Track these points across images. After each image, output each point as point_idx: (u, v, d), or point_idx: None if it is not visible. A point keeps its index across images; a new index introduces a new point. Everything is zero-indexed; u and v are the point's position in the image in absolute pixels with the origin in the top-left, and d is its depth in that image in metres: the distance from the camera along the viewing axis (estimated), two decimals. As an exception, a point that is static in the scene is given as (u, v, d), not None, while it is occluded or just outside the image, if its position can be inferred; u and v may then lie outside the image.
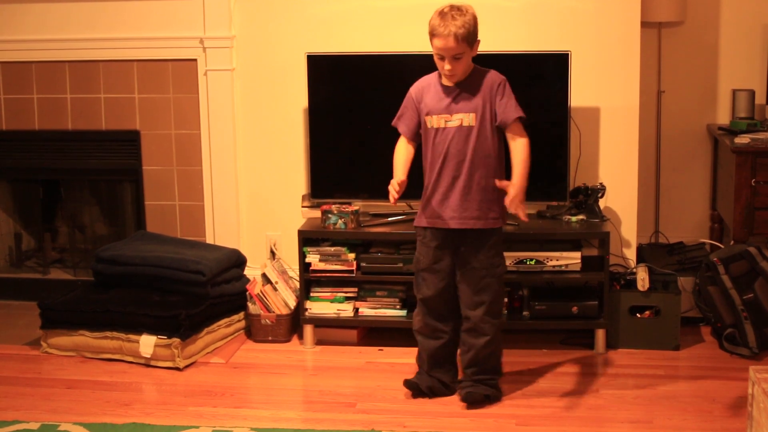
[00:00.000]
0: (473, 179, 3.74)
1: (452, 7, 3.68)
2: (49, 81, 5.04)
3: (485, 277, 3.78)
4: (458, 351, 3.91)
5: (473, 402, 3.81)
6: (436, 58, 3.72)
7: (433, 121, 3.77)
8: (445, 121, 3.75)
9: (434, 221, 3.80)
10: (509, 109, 3.74)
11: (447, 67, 3.68)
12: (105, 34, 4.93)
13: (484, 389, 3.83)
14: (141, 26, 4.90)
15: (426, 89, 3.81)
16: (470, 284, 3.79)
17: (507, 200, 3.65)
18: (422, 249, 3.85)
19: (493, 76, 3.77)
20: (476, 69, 3.78)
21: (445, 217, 3.77)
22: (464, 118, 3.73)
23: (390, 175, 3.83)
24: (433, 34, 3.67)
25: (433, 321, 3.87)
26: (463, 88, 3.75)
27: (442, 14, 3.66)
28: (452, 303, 3.86)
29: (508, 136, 3.76)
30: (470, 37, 3.67)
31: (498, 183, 3.73)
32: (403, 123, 3.87)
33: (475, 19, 3.71)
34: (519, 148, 3.73)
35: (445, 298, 3.84)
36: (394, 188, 3.73)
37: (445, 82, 3.78)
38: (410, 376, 3.97)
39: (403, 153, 3.86)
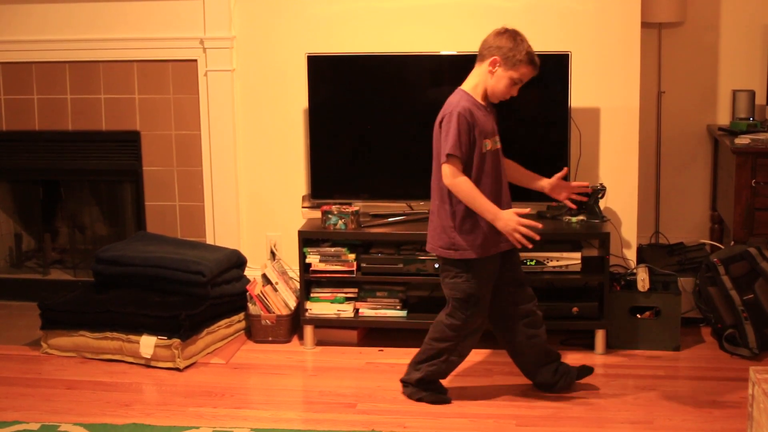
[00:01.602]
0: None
1: (521, 34, 3.70)
2: (49, 81, 5.04)
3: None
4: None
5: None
6: (506, 82, 3.66)
7: (490, 144, 3.70)
8: (495, 143, 3.73)
9: (500, 246, 3.73)
10: None
11: (514, 92, 3.72)
12: (105, 35, 4.93)
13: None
14: (141, 27, 4.90)
15: (473, 110, 3.65)
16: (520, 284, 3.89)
17: (576, 184, 3.92)
18: (482, 278, 3.75)
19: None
20: None
21: (505, 240, 3.71)
22: (498, 139, 3.77)
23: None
24: (524, 63, 3.64)
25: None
26: (490, 110, 3.77)
27: (528, 45, 3.67)
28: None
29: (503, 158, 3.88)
30: None
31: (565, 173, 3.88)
32: (462, 149, 3.61)
33: None
34: (514, 163, 3.96)
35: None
36: (525, 227, 3.60)
37: (484, 102, 3.72)
38: (410, 376, 3.98)
39: (477, 187, 3.65)
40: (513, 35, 3.67)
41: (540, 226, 3.69)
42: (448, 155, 3.60)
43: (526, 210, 3.64)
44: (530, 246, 3.64)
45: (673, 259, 4.80)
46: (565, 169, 3.92)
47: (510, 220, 3.60)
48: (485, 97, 3.72)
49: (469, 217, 3.68)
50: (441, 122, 3.67)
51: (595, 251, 4.61)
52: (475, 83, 3.72)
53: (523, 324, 3.86)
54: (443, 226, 3.72)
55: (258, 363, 4.40)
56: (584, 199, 4.06)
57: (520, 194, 4.59)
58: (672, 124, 5.10)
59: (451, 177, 3.61)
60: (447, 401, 3.88)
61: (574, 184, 3.95)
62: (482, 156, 3.66)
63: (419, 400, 3.90)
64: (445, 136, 3.62)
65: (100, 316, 4.40)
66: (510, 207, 3.73)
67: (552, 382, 3.94)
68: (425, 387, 3.90)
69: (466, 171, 3.65)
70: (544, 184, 3.92)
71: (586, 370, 4.00)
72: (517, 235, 3.60)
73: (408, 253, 4.44)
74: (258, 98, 4.87)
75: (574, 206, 4.02)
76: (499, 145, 3.76)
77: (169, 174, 5.03)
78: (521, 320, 3.86)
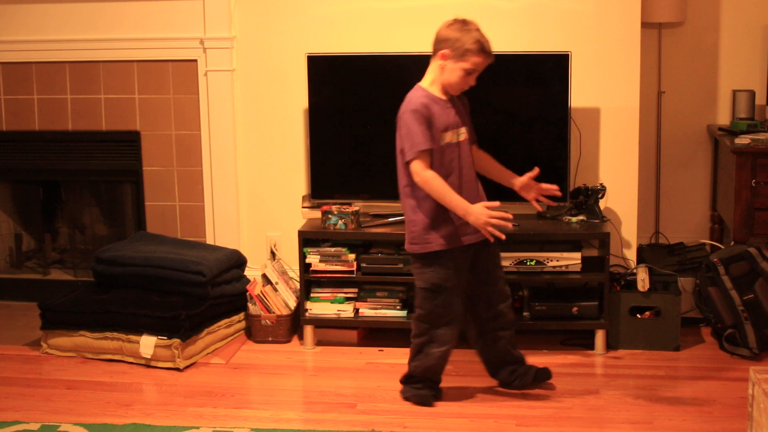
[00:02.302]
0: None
1: (477, 26, 3.66)
2: (49, 81, 5.04)
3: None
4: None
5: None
6: (460, 73, 3.64)
7: (449, 137, 3.69)
8: (458, 135, 3.72)
9: (463, 240, 3.73)
10: (472, 126, 3.85)
11: (472, 82, 3.69)
12: (105, 35, 4.93)
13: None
14: (141, 27, 4.90)
15: (429, 104, 3.65)
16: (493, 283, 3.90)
17: (546, 186, 3.83)
18: (448, 269, 3.74)
19: (462, 95, 3.81)
20: None
21: (471, 232, 3.72)
22: (464, 131, 3.75)
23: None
24: (472, 52, 3.60)
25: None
26: (454, 101, 3.75)
27: (478, 32, 3.63)
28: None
29: (476, 150, 3.88)
30: None
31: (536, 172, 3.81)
32: (424, 144, 3.61)
33: None
34: (487, 156, 3.91)
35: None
36: (497, 218, 3.59)
37: (444, 95, 3.71)
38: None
39: (444, 181, 3.66)
40: (461, 25, 3.65)
41: (510, 216, 3.65)
42: (414, 155, 3.61)
43: (495, 203, 3.64)
44: (503, 237, 3.64)
45: (673, 259, 4.80)
46: (536, 169, 3.80)
47: (481, 214, 3.60)
48: (445, 90, 3.71)
49: (431, 211, 3.69)
50: (399, 128, 3.70)
51: (595, 251, 4.61)
52: (432, 78, 3.72)
53: (492, 325, 3.89)
54: (408, 221, 3.77)
55: (258, 363, 4.40)
56: (552, 203, 3.93)
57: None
58: (672, 124, 5.10)
59: (420, 173, 3.62)
60: (429, 404, 3.87)
61: (543, 185, 3.85)
62: (441, 149, 3.67)
63: (406, 399, 3.91)
64: (406, 135, 3.63)
65: (100, 316, 4.40)
66: (481, 199, 3.73)
67: (508, 381, 3.97)
68: (417, 385, 3.90)
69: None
70: (515, 181, 3.87)
71: (545, 374, 3.99)
72: (490, 228, 3.61)
73: (408, 253, 4.43)
74: (258, 98, 4.87)
75: (539, 208, 3.95)
76: (463, 137, 3.72)
77: (169, 174, 5.03)
78: (491, 321, 3.88)
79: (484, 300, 3.87)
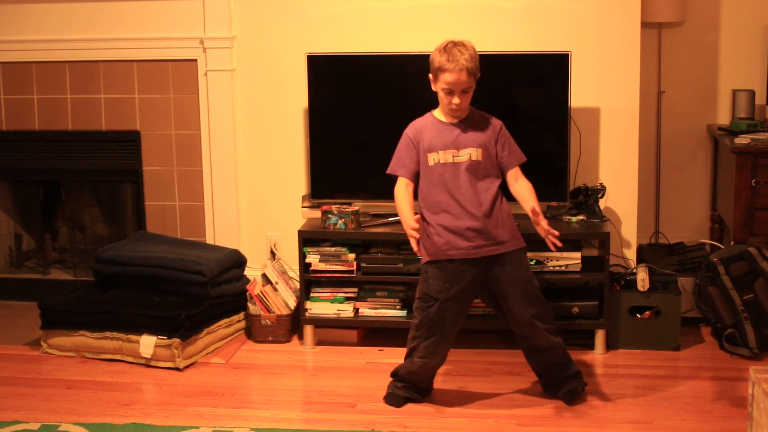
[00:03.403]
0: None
1: (454, 43, 3.69)
2: (49, 81, 5.04)
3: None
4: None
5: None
6: (442, 95, 3.71)
7: (439, 157, 3.74)
8: (453, 156, 3.74)
9: (448, 254, 3.73)
10: (515, 153, 3.84)
11: (456, 101, 3.69)
12: (105, 35, 4.93)
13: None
14: (141, 26, 4.90)
15: (424, 129, 3.80)
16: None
17: (544, 229, 3.71)
18: (439, 282, 3.76)
19: (495, 120, 3.83)
20: (473, 110, 3.82)
21: (463, 248, 3.72)
22: (472, 152, 3.74)
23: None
24: (441, 70, 3.66)
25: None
26: (468, 125, 3.77)
27: (446, 50, 3.67)
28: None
29: (512, 176, 3.83)
30: (476, 70, 3.70)
31: (533, 211, 3.72)
32: (401, 166, 3.82)
33: (476, 53, 3.72)
34: (528, 185, 3.83)
35: None
36: (414, 233, 3.71)
37: (448, 119, 3.77)
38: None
39: (406, 196, 3.79)
40: (435, 51, 3.72)
41: (417, 236, 3.71)
42: (394, 173, 3.84)
43: (415, 222, 3.70)
44: (414, 249, 3.74)
45: (673, 259, 4.80)
46: (532, 207, 3.72)
47: (405, 225, 3.75)
48: (450, 112, 3.77)
49: (424, 223, 3.78)
50: None
51: (595, 251, 4.61)
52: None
53: (524, 343, 3.89)
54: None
55: (258, 363, 4.40)
56: (557, 245, 3.78)
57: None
58: (672, 124, 5.10)
59: (395, 192, 3.83)
60: (395, 405, 3.87)
61: (544, 227, 3.74)
62: (429, 169, 3.75)
63: (385, 396, 3.93)
64: (393, 158, 3.87)
65: (100, 315, 4.40)
66: (484, 219, 3.71)
67: (541, 383, 3.99)
68: (399, 384, 3.91)
69: (418, 182, 3.81)
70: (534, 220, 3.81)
71: (573, 394, 3.92)
72: (410, 238, 3.74)
73: (408, 253, 4.43)
74: (258, 98, 4.87)
75: (553, 248, 3.79)
76: (464, 159, 3.73)
77: (169, 174, 5.03)
78: (522, 339, 3.88)
79: (510, 319, 3.85)
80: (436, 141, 3.75)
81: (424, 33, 4.66)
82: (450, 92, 3.69)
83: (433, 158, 3.75)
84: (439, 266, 3.74)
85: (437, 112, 3.81)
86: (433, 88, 3.76)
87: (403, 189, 3.81)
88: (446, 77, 3.66)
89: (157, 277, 4.49)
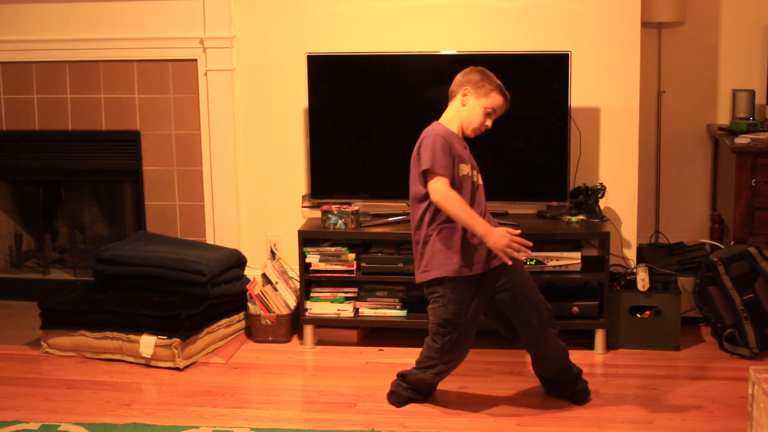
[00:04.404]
0: None
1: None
2: (49, 81, 5.04)
3: None
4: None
5: None
6: (479, 112, 3.68)
7: (466, 170, 3.69)
8: (476, 173, 3.74)
9: (474, 268, 3.69)
10: None
11: (488, 123, 3.72)
12: (105, 34, 4.93)
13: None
14: (141, 26, 4.90)
15: (450, 137, 3.66)
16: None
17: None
18: (458, 302, 3.69)
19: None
20: None
21: (480, 261, 3.69)
22: (479, 176, 3.77)
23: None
24: (502, 93, 3.70)
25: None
26: (468, 143, 3.78)
27: (495, 77, 3.71)
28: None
29: None
30: None
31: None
32: (443, 167, 3.60)
33: None
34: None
35: None
36: (517, 240, 3.57)
37: (461, 134, 3.74)
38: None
39: (464, 200, 3.63)
40: (481, 70, 3.73)
41: (530, 243, 3.59)
42: (436, 173, 3.59)
43: (517, 231, 3.60)
44: (523, 258, 3.66)
45: (673, 258, 4.80)
46: (518, 231, 3.66)
47: (502, 236, 3.57)
48: (461, 131, 3.74)
49: (442, 238, 3.66)
50: (419, 149, 3.68)
51: (595, 251, 4.61)
52: (450, 117, 3.74)
53: (531, 350, 3.87)
54: (420, 253, 3.72)
55: (258, 363, 4.40)
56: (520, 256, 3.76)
57: (520, 193, 4.61)
58: (672, 123, 5.10)
59: (442, 191, 3.59)
60: (396, 404, 3.87)
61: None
62: (460, 179, 3.67)
63: (388, 394, 3.92)
64: (428, 156, 3.61)
65: (100, 315, 4.40)
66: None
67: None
68: (405, 384, 3.89)
69: None
70: None
71: (580, 397, 3.92)
72: (509, 250, 3.57)
73: (408, 252, 4.43)
74: (258, 98, 4.87)
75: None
76: (477, 180, 3.73)
77: (169, 174, 5.03)
78: (529, 348, 3.87)
79: (521, 329, 3.82)
80: (464, 154, 3.71)
81: (424, 33, 4.66)
82: (490, 114, 3.70)
83: (462, 169, 3.68)
84: (454, 284, 3.66)
85: (448, 124, 3.73)
86: (466, 103, 3.69)
87: (457, 192, 3.62)
88: (497, 99, 3.69)
89: (157, 277, 4.49)
